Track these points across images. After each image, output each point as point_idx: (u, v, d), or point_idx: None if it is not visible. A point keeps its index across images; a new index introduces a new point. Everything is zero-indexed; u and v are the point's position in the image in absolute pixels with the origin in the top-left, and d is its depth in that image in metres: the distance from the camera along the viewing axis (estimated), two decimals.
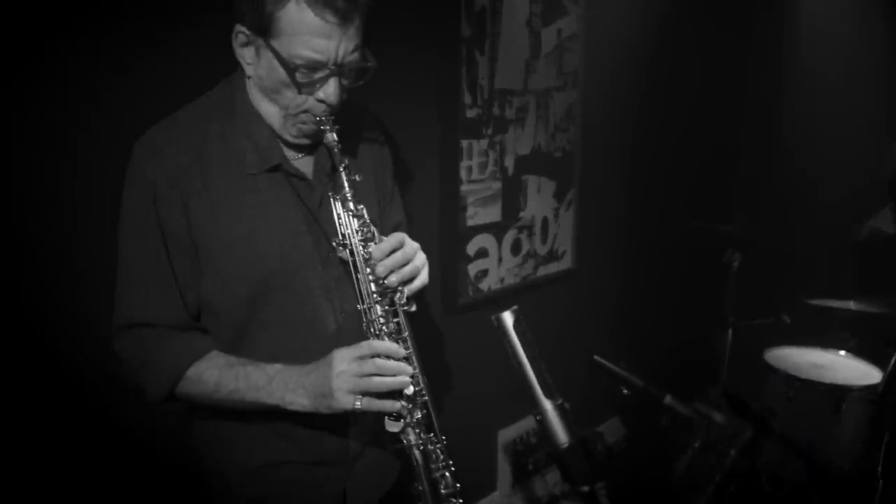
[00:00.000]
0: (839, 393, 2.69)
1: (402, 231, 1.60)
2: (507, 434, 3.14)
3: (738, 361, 2.97)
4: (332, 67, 1.28)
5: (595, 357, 1.78)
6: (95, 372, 1.60)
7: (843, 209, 3.73)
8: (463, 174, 2.72)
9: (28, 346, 1.64)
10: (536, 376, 1.17)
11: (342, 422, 1.42)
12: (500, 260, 2.96)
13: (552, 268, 3.22)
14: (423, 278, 1.43)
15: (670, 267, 3.76)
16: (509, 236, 2.99)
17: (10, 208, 1.60)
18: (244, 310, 1.38)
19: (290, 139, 1.39)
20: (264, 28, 1.25)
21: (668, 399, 1.76)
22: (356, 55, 1.30)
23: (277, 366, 1.34)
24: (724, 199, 4.18)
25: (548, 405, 1.17)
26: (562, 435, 1.17)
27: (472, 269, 2.85)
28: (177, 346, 1.35)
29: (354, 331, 1.39)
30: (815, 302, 2.90)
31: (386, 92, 1.41)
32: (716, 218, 3.24)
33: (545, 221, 3.15)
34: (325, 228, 1.40)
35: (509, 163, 2.91)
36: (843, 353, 3.00)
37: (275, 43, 1.25)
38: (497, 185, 2.88)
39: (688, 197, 3.83)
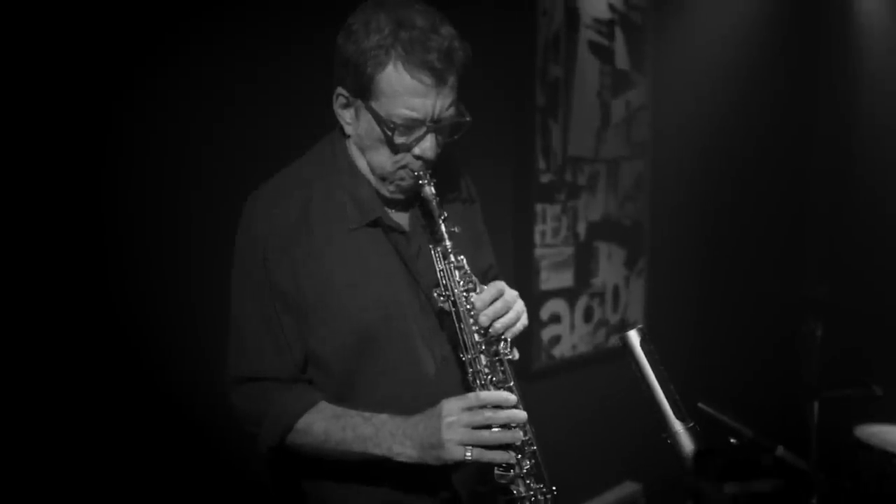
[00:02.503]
0: None
1: (493, 274, 1.60)
2: None
3: (827, 435, 2.80)
4: (429, 124, 1.32)
5: (699, 404, 1.72)
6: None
7: None
8: (537, 238, 2.74)
9: (148, 397, 1.74)
10: (667, 396, 1.12)
11: (445, 470, 1.38)
12: (572, 326, 2.92)
13: None
14: (523, 322, 1.42)
15: (747, 337, 3.63)
16: (581, 303, 2.95)
17: (127, 269, 1.71)
18: (349, 359, 1.39)
19: (387, 195, 1.43)
20: (364, 90, 1.30)
21: (780, 450, 1.68)
22: (451, 111, 1.34)
23: (384, 416, 1.33)
24: (800, 263, 4.05)
25: (679, 427, 1.12)
26: None
27: (546, 334, 2.81)
28: (288, 399, 1.37)
29: (453, 375, 1.38)
30: None
31: (463, 155, 1.48)
32: (793, 284, 3.15)
33: (616, 289, 3.12)
34: (421, 278, 1.42)
35: (581, 229, 2.92)
36: None
37: (374, 104, 1.30)
38: (569, 250, 2.87)
39: (762, 264, 3.74)
